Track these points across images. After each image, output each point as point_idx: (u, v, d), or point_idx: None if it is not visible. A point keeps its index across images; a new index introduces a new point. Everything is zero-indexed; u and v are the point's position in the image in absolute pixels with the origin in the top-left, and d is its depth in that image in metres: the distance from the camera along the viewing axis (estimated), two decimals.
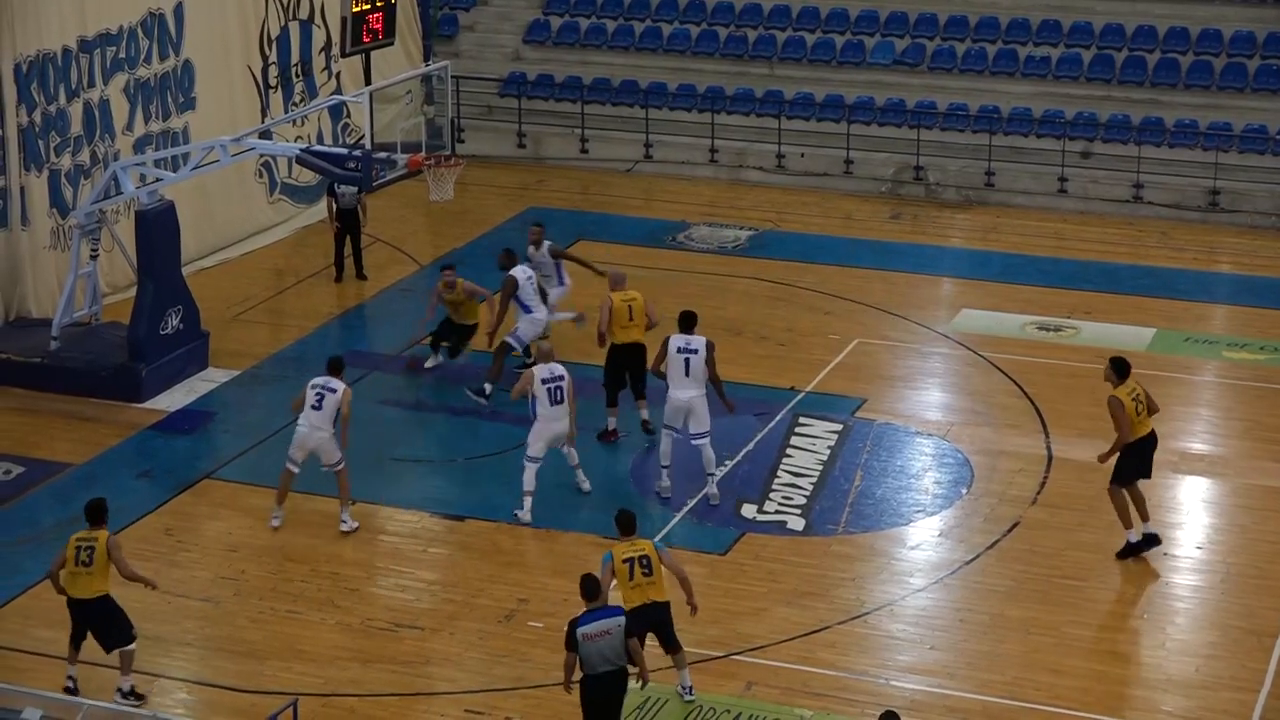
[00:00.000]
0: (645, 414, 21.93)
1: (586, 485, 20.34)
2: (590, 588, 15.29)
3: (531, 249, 24.16)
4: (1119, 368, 18.94)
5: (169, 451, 22.06)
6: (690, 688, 16.52)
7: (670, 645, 16.33)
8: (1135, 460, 18.90)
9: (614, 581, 16.02)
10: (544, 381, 19.65)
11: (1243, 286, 27.64)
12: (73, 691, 16.35)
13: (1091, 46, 32.72)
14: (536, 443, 19.81)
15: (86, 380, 23.31)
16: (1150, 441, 18.95)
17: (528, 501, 19.88)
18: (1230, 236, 29.62)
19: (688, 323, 20.33)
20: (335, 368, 19.98)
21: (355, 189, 26.55)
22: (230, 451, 21.99)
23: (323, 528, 19.90)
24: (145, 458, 21.89)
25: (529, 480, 19.86)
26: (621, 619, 15.12)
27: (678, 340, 20.19)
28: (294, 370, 24.36)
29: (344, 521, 19.72)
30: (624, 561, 16.01)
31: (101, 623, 16.47)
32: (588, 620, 15.08)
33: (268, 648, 17.65)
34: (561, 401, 19.65)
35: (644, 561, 16.02)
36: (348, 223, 27.15)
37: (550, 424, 19.73)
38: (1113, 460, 18.91)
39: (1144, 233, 29.79)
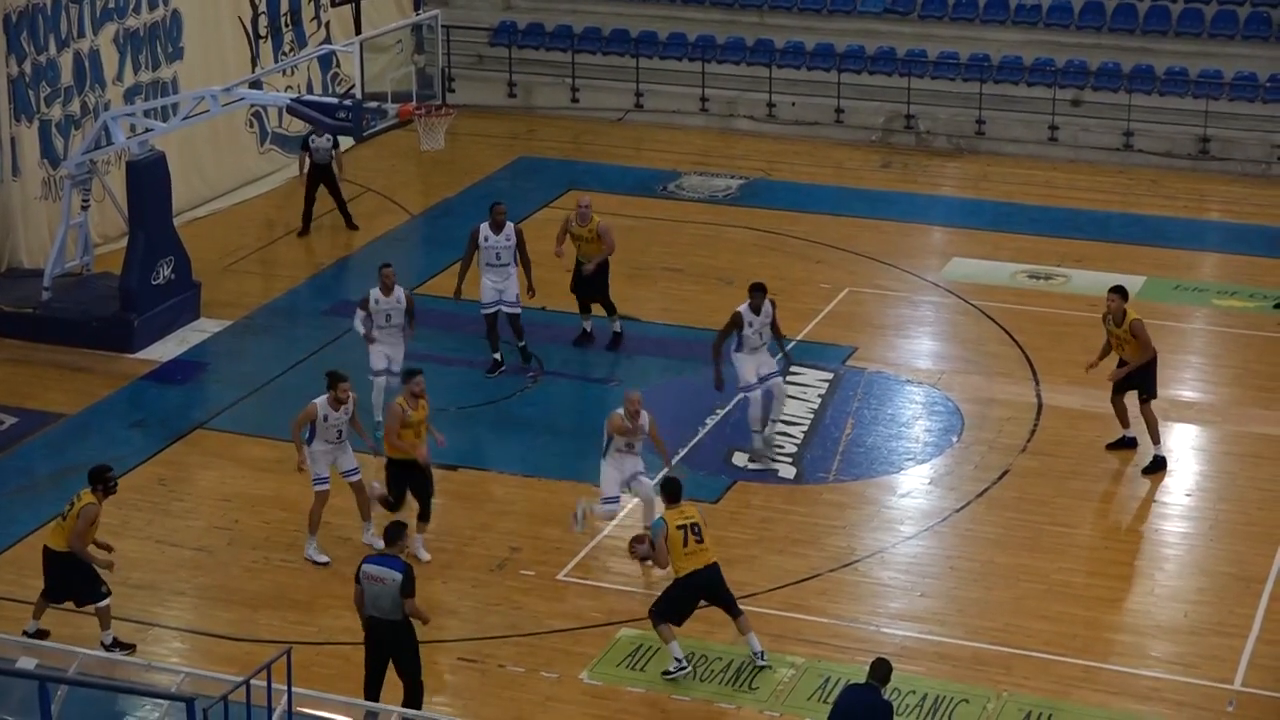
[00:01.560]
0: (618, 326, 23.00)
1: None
2: (390, 532, 15.22)
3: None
4: (1125, 293, 20.00)
5: (162, 401, 22.11)
6: (762, 653, 16.40)
7: (731, 609, 16.37)
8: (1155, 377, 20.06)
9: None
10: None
11: (1232, 234, 27.68)
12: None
13: None
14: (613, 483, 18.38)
15: (79, 331, 23.34)
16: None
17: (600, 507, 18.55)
18: (1220, 184, 29.64)
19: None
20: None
21: (330, 143, 26.54)
22: (223, 402, 22.04)
23: None
24: (138, 408, 21.94)
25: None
26: (398, 575, 14.95)
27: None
28: (285, 320, 24.43)
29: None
30: (677, 529, 16.10)
31: (60, 576, 16.48)
32: (371, 561, 15.20)
33: (261, 597, 17.75)
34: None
35: (695, 529, 16.14)
36: (323, 176, 27.01)
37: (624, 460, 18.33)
38: (1110, 373, 20.02)
39: (1134, 181, 29.80)
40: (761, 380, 20.29)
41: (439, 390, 22.04)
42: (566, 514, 18.62)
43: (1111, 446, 20.42)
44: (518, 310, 22.43)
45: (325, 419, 17.99)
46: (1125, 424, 20.24)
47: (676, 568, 16.18)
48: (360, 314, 20.80)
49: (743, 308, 20.13)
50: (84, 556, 16.44)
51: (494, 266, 22.20)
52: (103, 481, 16.56)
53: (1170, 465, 20.18)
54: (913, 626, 17.18)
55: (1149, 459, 20.00)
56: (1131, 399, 20.03)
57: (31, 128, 25.21)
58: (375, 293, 20.51)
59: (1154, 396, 20.01)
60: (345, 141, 27.32)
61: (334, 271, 26.25)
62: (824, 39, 32.98)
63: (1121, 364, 19.96)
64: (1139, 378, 19.92)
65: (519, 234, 22.33)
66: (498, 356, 22.48)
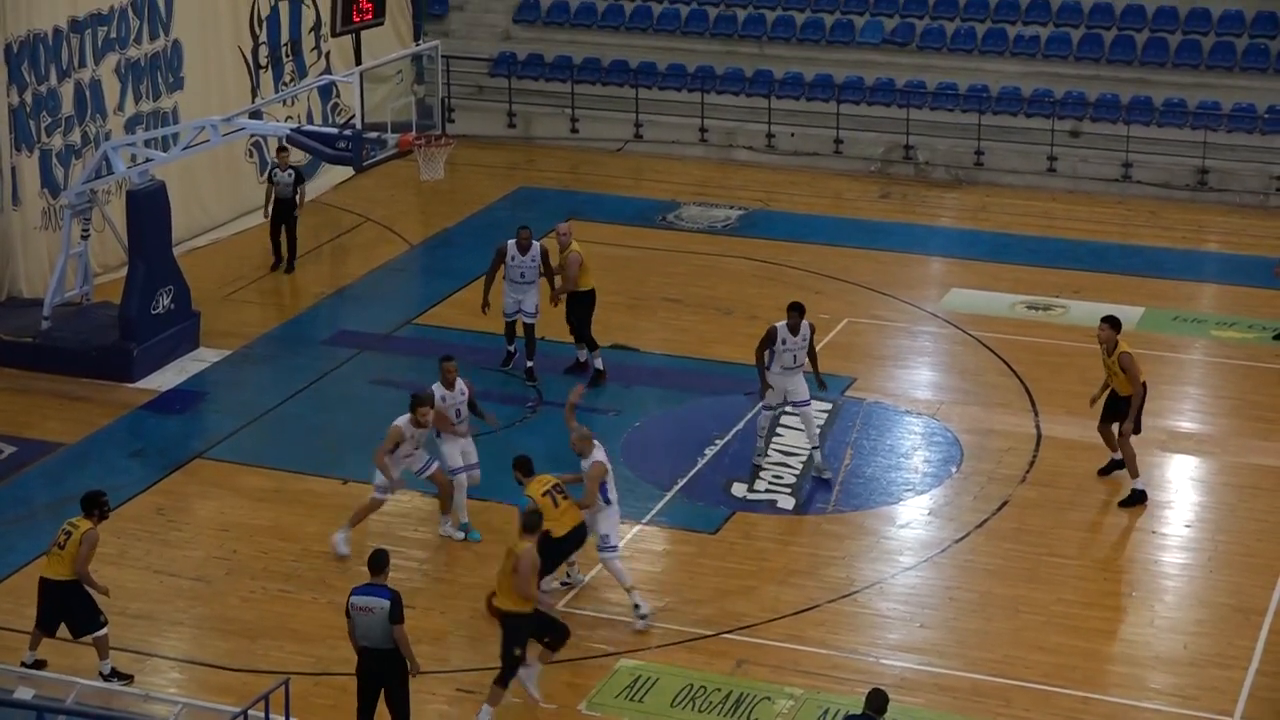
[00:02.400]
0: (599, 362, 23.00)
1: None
2: (374, 561, 15.39)
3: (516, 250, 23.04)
4: (1117, 323, 19.99)
5: (160, 431, 22.10)
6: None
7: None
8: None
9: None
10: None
11: (1231, 265, 27.70)
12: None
13: (1080, 26, 32.74)
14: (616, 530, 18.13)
15: (78, 360, 23.34)
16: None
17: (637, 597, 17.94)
18: (1218, 215, 29.69)
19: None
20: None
21: (290, 177, 26.56)
22: (222, 431, 22.03)
23: (314, 508, 19.96)
24: (137, 437, 21.94)
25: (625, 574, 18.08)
26: (385, 602, 15.11)
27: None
28: (285, 350, 24.43)
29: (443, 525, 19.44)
30: (543, 495, 16.94)
31: (62, 607, 16.47)
32: (359, 592, 15.26)
33: (259, 627, 17.72)
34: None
35: (558, 488, 17.19)
36: (282, 212, 26.86)
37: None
38: (1100, 403, 20.12)
39: (1133, 212, 29.85)
40: (787, 404, 20.36)
41: None
42: None
43: (1103, 472, 20.43)
44: (534, 320, 22.90)
45: (409, 438, 18.61)
46: (1113, 448, 20.28)
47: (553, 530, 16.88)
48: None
49: (780, 325, 20.22)
50: (89, 583, 16.43)
51: (516, 283, 22.86)
52: (98, 507, 16.59)
53: (1169, 496, 20.19)
54: (912, 658, 17.15)
55: (1127, 492, 19.97)
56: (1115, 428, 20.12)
57: (32, 157, 25.25)
58: (438, 389, 19.26)
59: (1137, 431, 19.95)
60: (341, 172, 27.30)
61: (333, 301, 26.26)
62: (823, 70, 33.07)
63: (1110, 391, 20.04)
64: (1123, 408, 19.92)
65: (544, 252, 22.87)
66: (511, 349, 23.14)
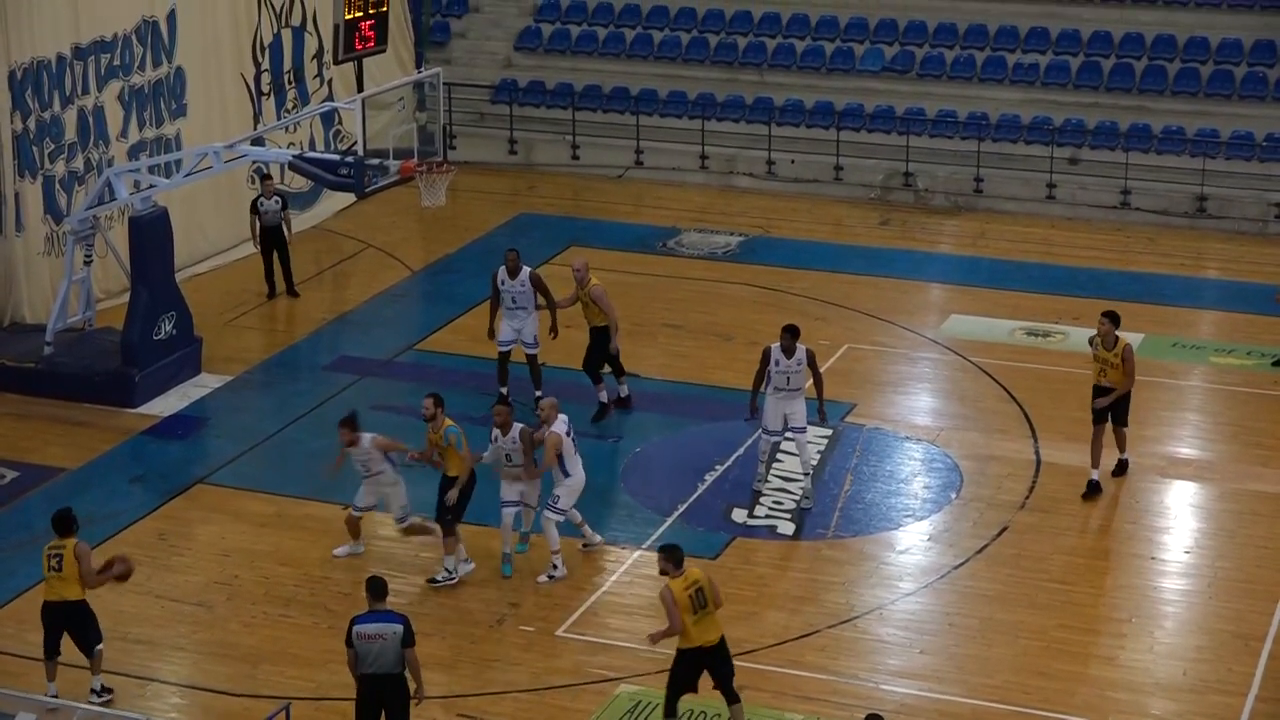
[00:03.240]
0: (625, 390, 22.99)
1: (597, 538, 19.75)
2: (375, 588, 15.35)
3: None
4: (1117, 318, 20.56)
5: (162, 456, 22.15)
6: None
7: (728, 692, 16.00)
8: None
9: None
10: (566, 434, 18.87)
11: (1229, 292, 27.76)
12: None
13: (1079, 53, 32.86)
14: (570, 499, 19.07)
15: (80, 385, 23.39)
16: None
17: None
18: (1217, 242, 29.77)
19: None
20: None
21: (278, 205, 26.62)
22: (223, 457, 22.07)
23: (315, 533, 20.00)
24: (138, 462, 21.98)
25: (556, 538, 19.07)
26: (398, 627, 15.11)
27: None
28: (286, 376, 24.49)
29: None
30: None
31: (77, 625, 16.63)
32: (364, 620, 15.22)
33: (260, 652, 17.74)
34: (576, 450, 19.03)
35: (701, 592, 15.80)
36: (273, 239, 26.96)
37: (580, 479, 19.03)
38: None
39: (1131, 238, 29.93)
40: (786, 429, 20.41)
41: None
42: (568, 569, 18.75)
43: (1086, 496, 20.57)
44: (535, 350, 22.74)
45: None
46: (1096, 464, 20.66)
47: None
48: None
49: (773, 346, 20.26)
50: (110, 577, 16.71)
51: (510, 310, 22.67)
52: (73, 522, 16.75)
53: (1168, 522, 20.25)
54: (912, 684, 17.17)
55: (1115, 463, 20.87)
56: (1106, 429, 20.65)
57: (35, 183, 25.34)
58: (496, 433, 19.19)
59: (1126, 425, 20.84)
60: (342, 198, 27.38)
61: (335, 327, 26.32)
62: (823, 97, 33.18)
63: (1103, 391, 20.50)
64: (1121, 406, 20.54)
65: (534, 279, 22.59)
66: (504, 391, 22.42)
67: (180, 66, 27.89)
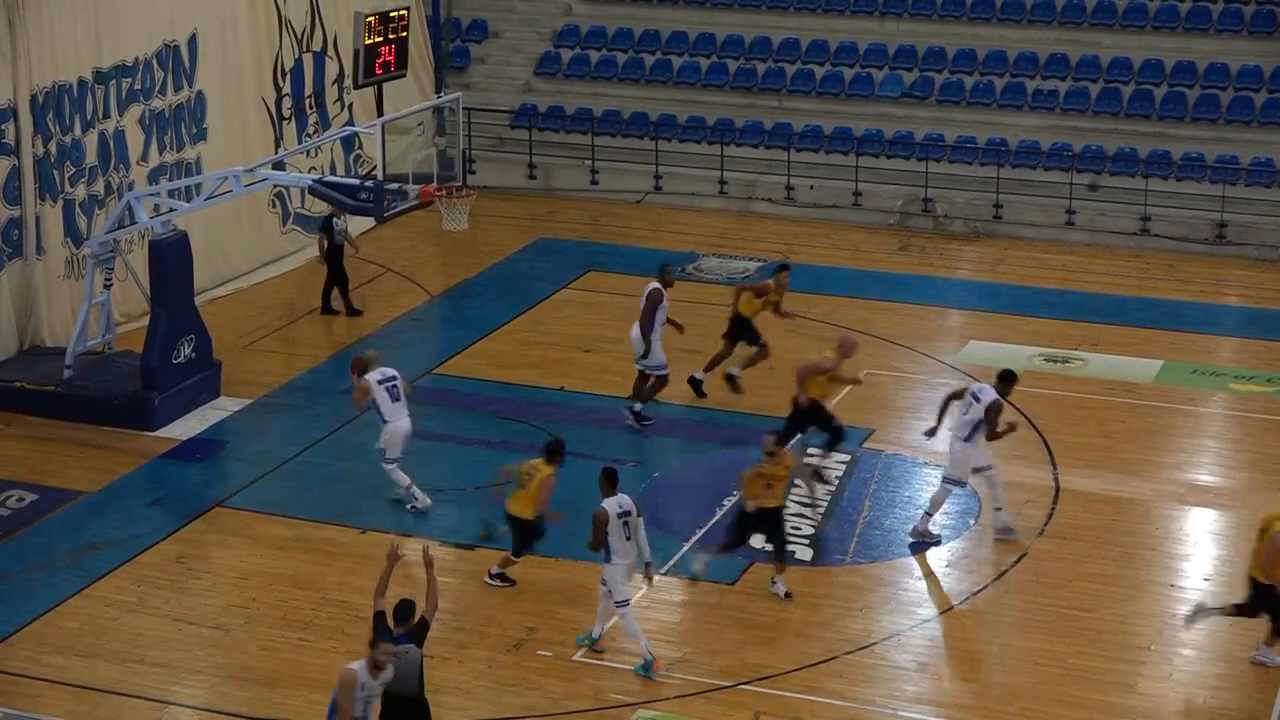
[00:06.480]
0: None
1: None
2: (404, 611, 15.38)
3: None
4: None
5: (181, 479, 22.18)
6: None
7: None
8: None
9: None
10: (380, 383, 20.58)
11: (1249, 319, 27.73)
12: None
13: (1099, 80, 32.87)
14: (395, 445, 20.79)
15: (99, 408, 23.44)
16: None
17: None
18: (1237, 269, 29.73)
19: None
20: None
21: (343, 224, 26.79)
22: (242, 480, 22.11)
23: (333, 556, 20.02)
24: (157, 486, 22.02)
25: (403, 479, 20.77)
26: (409, 647, 15.13)
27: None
28: (305, 400, 24.51)
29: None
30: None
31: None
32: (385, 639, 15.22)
33: (278, 675, 17.75)
34: (399, 399, 20.63)
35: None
36: (338, 259, 27.25)
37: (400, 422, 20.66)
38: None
39: (1151, 265, 29.90)
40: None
41: (455, 470, 22.13)
42: (582, 594, 18.69)
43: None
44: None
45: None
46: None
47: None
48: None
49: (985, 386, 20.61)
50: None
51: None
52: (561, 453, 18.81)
53: (1187, 549, 20.25)
54: (930, 710, 17.13)
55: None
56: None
57: (56, 207, 25.43)
58: None
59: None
60: (362, 222, 27.51)
61: (353, 351, 26.31)
62: (842, 123, 33.21)
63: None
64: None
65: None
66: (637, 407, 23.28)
67: (201, 90, 28.00)
